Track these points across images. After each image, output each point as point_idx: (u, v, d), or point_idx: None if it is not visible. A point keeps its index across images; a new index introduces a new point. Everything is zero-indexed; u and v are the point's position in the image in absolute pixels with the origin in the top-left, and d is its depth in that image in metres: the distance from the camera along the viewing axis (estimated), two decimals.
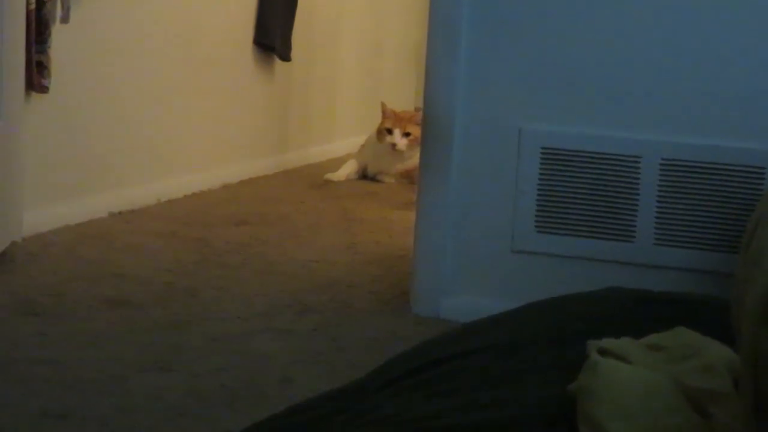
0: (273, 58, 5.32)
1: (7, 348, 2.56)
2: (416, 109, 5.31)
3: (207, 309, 2.95)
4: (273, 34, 5.19)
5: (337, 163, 5.55)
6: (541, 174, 2.91)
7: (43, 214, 3.66)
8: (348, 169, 5.35)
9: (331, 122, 6.17)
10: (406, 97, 6.80)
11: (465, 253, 2.99)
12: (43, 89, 3.56)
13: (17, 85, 3.32)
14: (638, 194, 2.85)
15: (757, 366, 0.92)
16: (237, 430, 1.44)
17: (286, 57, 5.38)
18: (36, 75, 3.51)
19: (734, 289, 1.11)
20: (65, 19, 3.64)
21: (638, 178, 2.85)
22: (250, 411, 2.21)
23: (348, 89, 6.32)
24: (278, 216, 4.25)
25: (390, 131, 5.26)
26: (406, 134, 5.23)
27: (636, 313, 1.62)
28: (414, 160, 4.80)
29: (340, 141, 6.17)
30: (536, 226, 2.93)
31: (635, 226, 2.86)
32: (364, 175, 5.40)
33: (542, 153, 2.90)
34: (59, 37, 3.62)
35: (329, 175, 5.27)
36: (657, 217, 2.85)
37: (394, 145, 5.24)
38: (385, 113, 5.31)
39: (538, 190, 2.91)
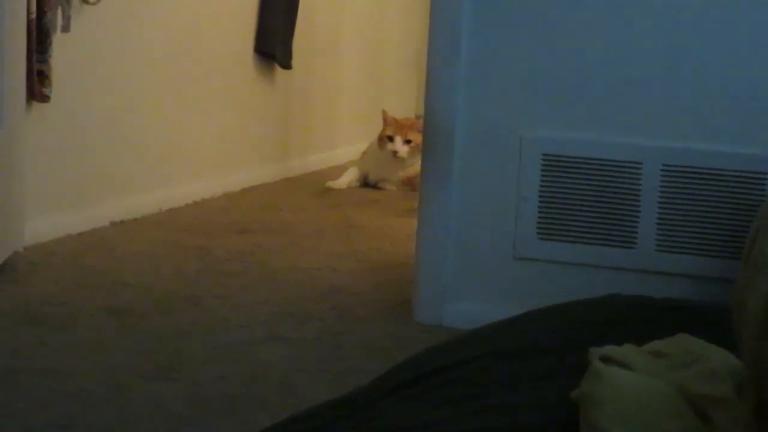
0: (274, 66, 5.32)
1: (10, 357, 2.56)
2: (417, 117, 5.31)
3: (209, 317, 2.95)
4: (274, 42, 5.20)
5: (339, 170, 5.54)
6: (542, 181, 2.91)
7: (45, 223, 3.67)
8: (349, 177, 5.35)
9: (332, 130, 6.17)
10: (407, 105, 6.80)
11: (467, 260, 2.99)
12: (45, 98, 3.56)
13: (18, 94, 3.32)
14: (639, 200, 2.85)
15: (760, 372, 0.92)
16: None
17: (286, 65, 5.38)
18: (37, 84, 3.51)
19: (736, 295, 1.11)
20: (66, 29, 3.64)
21: (639, 185, 2.85)
22: (253, 419, 2.21)
23: (349, 97, 6.32)
24: (280, 224, 4.25)
25: (391, 138, 5.26)
26: (408, 141, 5.23)
27: (638, 319, 1.62)
28: (415, 167, 4.80)
29: (342, 149, 6.17)
30: (538, 233, 2.93)
31: (637, 232, 2.86)
32: (365, 183, 5.40)
33: (543, 160, 2.90)
34: (60, 46, 3.62)
35: (331, 183, 5.27)
36: (658, 224, 2.85)
37: (395, 153, 5.24)
38: (386, 120, 5.31)
39: (540, 196, 2.91)
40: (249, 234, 4.03)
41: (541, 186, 2.91)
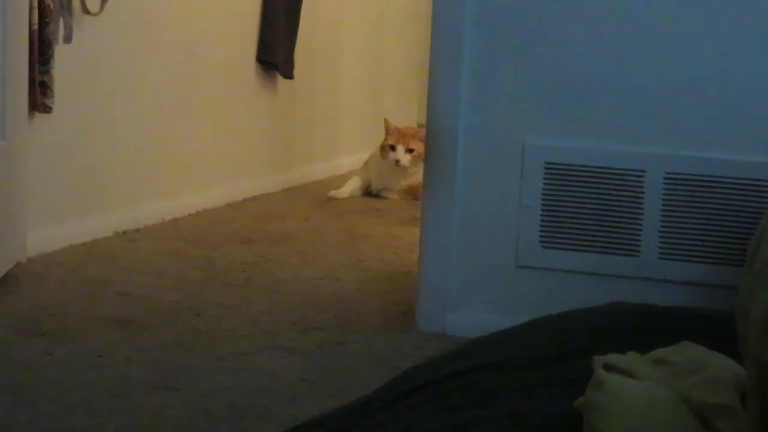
0: (276, 75, 5.33)
1: (14, 368, 2.56)
2: (419, 125, 5.32)
3: (212, 327, 2.95)
4: (275, 52, 5.20)
5: (341, 180, 5.55)
6: (545, 189, 2.91)
7: (48, 234, 3.67)
8: (352, 186, 5.35)
9: (335, 139, 6.18)
10: (409, 114, 6.80)
11: (470, 269, 2.99)
12: (47, 109, 3.57)
13: (21, 105, 3.33)
14: (642, 208, 2.85)
15: (764, 380, 0.91)
16: None
17: (288, 74, 5.39)
18: (39, 95, 3.51)
19: (739, 302, 1.11)
20: (68, 39, 3.65)
21: (642, 193, 2.85)
22: (257, 429, 2.21)
23: (351, 106, 6.33)
24: (283, 234, 4.25)
25: (393, 147, 5.26)
26: (410, 150, 5.23)
27: (641, 327, 1.61)
28: (418, 176, 4.81)
29: (344, 158, 6.17)
30: (541, 241, 2.92)
31: (640, 240, 2.86)
32: (368, 192, 5.40)
33: (546, 168, 2.90)
34: (62, 57, 3.63)
35: (333, 192, 5.27)
36: (661, 231, 2.85)
37: (397, 162, 5.24)
38: (388, 129, 5.32)
39: (543, 205, 2.91)
40: (252, 244, 4.03)
41: (544, 194, 2.91)
